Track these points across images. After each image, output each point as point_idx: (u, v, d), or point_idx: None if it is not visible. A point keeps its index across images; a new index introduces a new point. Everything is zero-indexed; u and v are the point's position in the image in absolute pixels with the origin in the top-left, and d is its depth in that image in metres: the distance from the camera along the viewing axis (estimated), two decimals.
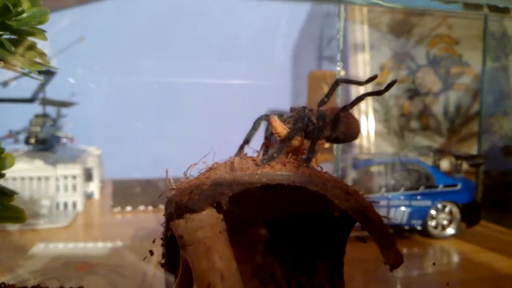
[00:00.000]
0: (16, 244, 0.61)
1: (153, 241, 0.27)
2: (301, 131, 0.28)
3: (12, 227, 0.70)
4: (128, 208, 0.82)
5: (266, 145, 0.29)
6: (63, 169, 0.81)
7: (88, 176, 0.90)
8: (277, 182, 0.24)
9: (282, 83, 1.22)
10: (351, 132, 0.32)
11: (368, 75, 1.26)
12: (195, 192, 0.24)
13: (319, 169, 0.29)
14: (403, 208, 0.66)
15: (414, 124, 1.28)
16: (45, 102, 0.89)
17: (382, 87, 0.32)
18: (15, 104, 0.91)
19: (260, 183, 0.24)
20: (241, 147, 0.30)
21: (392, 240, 0.25)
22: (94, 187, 0.91)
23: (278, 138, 0.27)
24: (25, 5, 0.26)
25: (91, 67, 1.06)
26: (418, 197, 0.67)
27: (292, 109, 0.32)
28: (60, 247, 0.58)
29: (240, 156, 0.28)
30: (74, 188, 0.81)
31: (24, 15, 0.26)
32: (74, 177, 0.81)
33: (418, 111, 1.29)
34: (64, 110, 0.99)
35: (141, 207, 0.83)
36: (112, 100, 1.11)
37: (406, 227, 0.67)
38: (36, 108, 0.91)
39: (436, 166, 0.75)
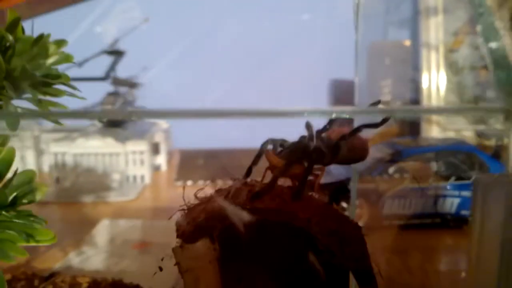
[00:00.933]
0: (86, 218, 0.70)
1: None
2: (296, 163, 0.29)
3: (87, 198, 0.80)
4: (189, 183, 0.88)
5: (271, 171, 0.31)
6: (132, 145, 0.89)
7: (155, 150, 0.98)
8: (263, 217, 0.27)
9: (343, 54, 1.19)
10: (356, 156, 0.32)
11: (440, 41, 1.18)
12: (191, 224, 0.28)
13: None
14: (452, 198, 0.65)
15: (492, 94, 1.19)
16: (116, 81, 0.97)
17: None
18: (89, 82, 1.00)
19: (248, 219, 0.26)
20: (248, 171, 0.32)
21: (373, 280, 0.26)
22: (161, 160, 0.99)
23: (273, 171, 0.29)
24: (52, 48, 0.30)
25: (158, 42, 1.12)
26: (470, 187, 0.65)
27: (307, 126, 0.33)
28: (122, 223, 0.66)
29: (243, 182, 0.30)
30: (142, 162, 0.89)
31: (49, 60, 0.30)
32: (141, 152, 0.89)
33: None
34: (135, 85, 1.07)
35: (200, 182, 0.89)
36: (181, 70, 1.15)
37: (454, 217, 0.65)
38: (107, 86, 0.99)
39: (497, 152, 0.71)
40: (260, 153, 0.32)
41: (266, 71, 1.17)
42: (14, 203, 0.27)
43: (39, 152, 0.95)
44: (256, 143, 0.33)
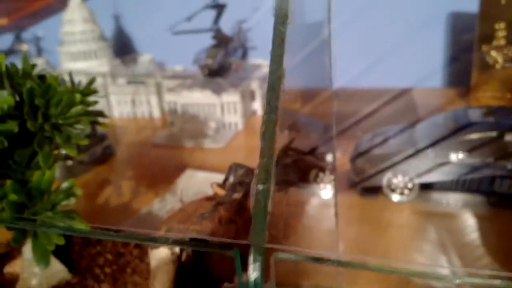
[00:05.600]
0: (179, 163, 0.86)
1: None
2: (231, 194, 0.36)
3: (188, 144, 0.96)
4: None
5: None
6: (226, 97, 1.01)
7: (251, 96, 1.09)
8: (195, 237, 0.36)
9: None
10: None
11: None
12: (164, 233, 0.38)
13: None
14: None
15: None
16: (216, 35, 1.07)
17: None
18: (197, 34, 1.12)
19: (188, 236, 0.36)
20: (223, 185, 0.41)
21: None
22: (257, 105, 1.10)
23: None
24: (77, 98, 0.42)
25: None
26: None
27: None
28: (201, 175, 0.80)
29: (203, 199, 0.39)
30: (235, 111, 1.02)
31: (75, 109, 0.42)
32: (234, 102, 1.01)
33: None
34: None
35: (286, 131, 0.98)
36: None
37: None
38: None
39: None
40: (227, 176, 0.41)
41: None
42: (53, 208, 0.41)
43: (161, 96, 1.14)
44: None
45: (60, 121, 0.40)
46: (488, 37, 0.94)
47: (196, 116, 1.02)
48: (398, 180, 0.66)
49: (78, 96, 0.42)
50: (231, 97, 1.01)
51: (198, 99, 1.01)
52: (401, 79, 1.17)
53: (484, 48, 0.96)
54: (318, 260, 0.21)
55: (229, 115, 1.02)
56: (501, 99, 0.96)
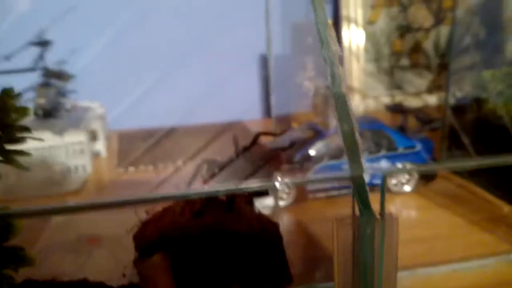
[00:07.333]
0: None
1: None
2: None
3: (33, 193, 0.82)
4: (131, 169, 0.93)
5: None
6: (70, 136, 0.90)
7: (93, 136, 1.00)
8: (205, 229, 0.34)
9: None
10: None
11: (359, 14, 1.27)
12: (146, 241, 0.34)
13: None
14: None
15: (405, 61, 1.31)
16: (47, 73, 0.96)
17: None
18: (19, 74, 0.98)
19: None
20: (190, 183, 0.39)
21: (287, 270, 0.35)
22: (100, 146, 1.02)
23: None
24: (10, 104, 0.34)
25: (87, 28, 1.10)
26: (380, 160, 0.76)
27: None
28: (75, 218, 0.70)
29: (185, 201, 0.37)
30: (82, 151, 0.92)
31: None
32: (80, 142, 0.92)
33: (408, 48, 1.31)
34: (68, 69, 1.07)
35: (142, 167, 0.94)
36: (114, 52, 1.15)
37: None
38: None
39: (403, 127, 0.83)
40: (196, 172, 0.39)
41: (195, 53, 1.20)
42: None
43: None
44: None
45: None
46: (300, 70, 1.14)
47: (35, 162, 0.88)
48: None
49: (9, 101, 0.34)
50: (76, 137, 0.91)
51: (35, 142, 0.88)
52: (227, 114, 1.26)
53: (298, 79, 1.15)
54: None
55: (76, 157, 0.91)
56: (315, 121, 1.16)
